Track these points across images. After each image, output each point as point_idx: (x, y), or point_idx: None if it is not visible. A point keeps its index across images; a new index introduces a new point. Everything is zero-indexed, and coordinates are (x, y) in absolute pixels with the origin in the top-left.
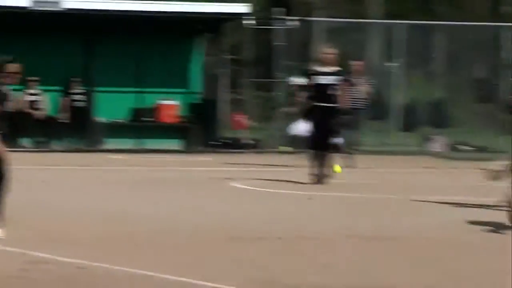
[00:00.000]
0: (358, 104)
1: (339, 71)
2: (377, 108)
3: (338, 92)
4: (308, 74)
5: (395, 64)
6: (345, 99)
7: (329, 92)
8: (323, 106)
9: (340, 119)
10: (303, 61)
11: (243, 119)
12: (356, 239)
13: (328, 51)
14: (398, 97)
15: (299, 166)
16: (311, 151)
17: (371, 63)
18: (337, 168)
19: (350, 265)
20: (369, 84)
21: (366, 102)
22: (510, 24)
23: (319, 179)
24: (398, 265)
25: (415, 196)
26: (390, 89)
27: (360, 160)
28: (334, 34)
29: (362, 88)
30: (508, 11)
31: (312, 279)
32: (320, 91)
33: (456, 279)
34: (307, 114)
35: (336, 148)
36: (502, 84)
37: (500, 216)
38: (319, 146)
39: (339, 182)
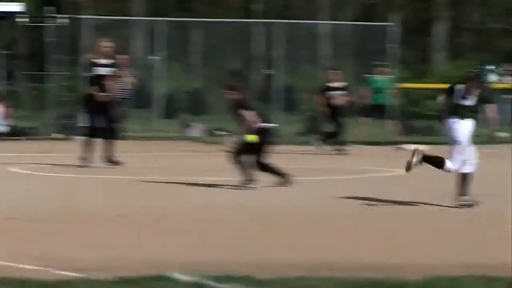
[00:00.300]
0: (124, 94)
1: (114, 63)
2: (140, 98)
3: (110, 83)
4: (88, 65)
5: (157, 58)
6: (114, 90)
7: (106, 82)
8: (102, 95)
9: (116, 108)
10: (73, 55)
11: (7, 108)
12: (124, 218)
13: (106, 44)
14: (160, 87)
15: (71, 151)
16: (89, 137)
17: (135, 57)
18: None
19: (118, 241)
20: (134, 76)
21: (131, 92)
22: (260, 20)
23: (105, 161)
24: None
25: (177, 177)
26: (153, 80)
27: (126, 145)
28: (101, 30)
29: (127, 80)
30: (258, 9)
31: (82, 255)
32: (99, 81)
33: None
34: (86, 103)
35: (113, 135)
36: (254, 74)
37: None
38: (98, 133)
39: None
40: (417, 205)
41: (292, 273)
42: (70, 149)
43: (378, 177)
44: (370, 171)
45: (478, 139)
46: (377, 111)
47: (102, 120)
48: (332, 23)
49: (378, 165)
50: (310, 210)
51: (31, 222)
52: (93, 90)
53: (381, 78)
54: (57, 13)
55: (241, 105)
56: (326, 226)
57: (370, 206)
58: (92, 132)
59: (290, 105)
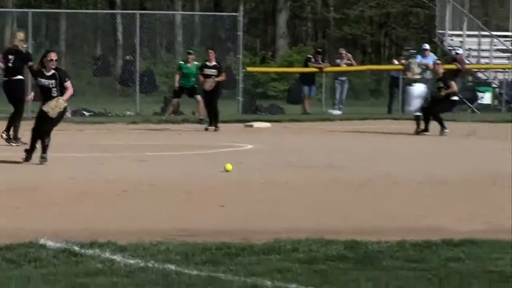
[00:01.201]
0: None
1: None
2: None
3: None
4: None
5: (25, 46)
6: None
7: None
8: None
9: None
10: None
11: None
12: None
13: (19, 33)
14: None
15: None
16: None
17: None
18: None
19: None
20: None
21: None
22: (121, 11)
23: None
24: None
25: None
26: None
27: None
28: None
29: None
30: (120, 1)
31: None
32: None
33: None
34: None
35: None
36: (117, 61)
37: None
38: None
39: None
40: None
41: (150, 239)
42: None
43: (238, 151)
44: (230, 146)
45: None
46: (186, 91)
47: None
48: (186, 14)
49: (234, 141)
50: (171, 183)
51: None
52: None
53: (190, 65)
54: None
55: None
56: (185, 196)
57: (224, 178)
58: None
59: (149, 87)
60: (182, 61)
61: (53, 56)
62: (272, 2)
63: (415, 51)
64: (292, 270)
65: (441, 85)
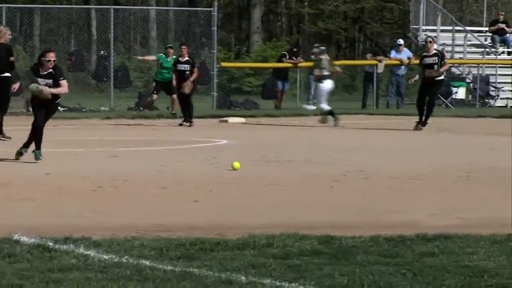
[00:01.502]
0: None
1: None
2: None
3: None
4: None
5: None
6: None
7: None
8: None
9: None
10: None
11: None
12: None
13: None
14: None
15: None
16: None
17: None
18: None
19: None
20: None
21: None
22: (95, 6)
23: None
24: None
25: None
26: None
27: None
28: None
29: None
30: None
31: None
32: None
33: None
34: None
35: None
36: (92, 56)
37: None
38: None
39: None
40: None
41: (124, 234)
42: None
43: (212, 146)
44: (205, 142)
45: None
46: (164, 87)
47: None
48: (160, 9)
49: (209, 136)
50: (145, 178)
51: None
52: None
53: (169, 59)
54: None
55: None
56: (159, 191)
57: (198, 173)
58: None
59: (124, 83)
60: (161, 53)
61: (51, 56)
62: None
63: (324, 48)
64: (267, 265)
65: (435, 61)
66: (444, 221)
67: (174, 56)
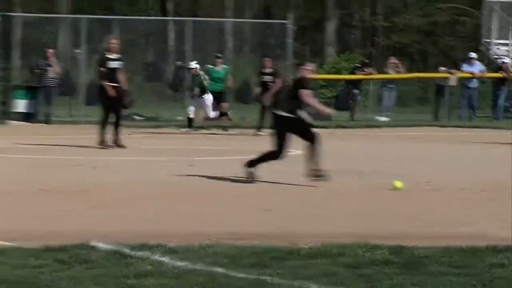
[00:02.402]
0: (52, 83)
1: (121, 57)
2: (65, 86)
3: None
4: (101, 60)
5: (80, 51)
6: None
7: (117, 74)
8: (115, 86)
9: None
10: (5, 49)
11: None
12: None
13: (114, 41)
14: (83, 77)
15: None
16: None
17: (62, 50)
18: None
19: (48, 213)
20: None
21: (57, 81)
22: (173, 18)
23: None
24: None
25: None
26: (77, 71)
27: (57, 129)
28: (31, 26)
29: (55, 70)
30: (172, 8)
31: (14, 226)
32: (111, 74)
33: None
34: (99, 94)
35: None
36: (168, 67)
37: None
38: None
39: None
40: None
41: (198, 241)
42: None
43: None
44: None
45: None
46: (216, 98)
47: (114, 108)
48: (236, 21)
49: None
50: (216, 186)
51: None
52: (104, 82)
53: (219, 68)
54: None
55: None
56: (234, 200)
57: (275, 183)
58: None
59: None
60: (210, 65)
61: None
62: (321, 10)
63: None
64: (338, 274)
65: None
66: None
67: (224, 66)
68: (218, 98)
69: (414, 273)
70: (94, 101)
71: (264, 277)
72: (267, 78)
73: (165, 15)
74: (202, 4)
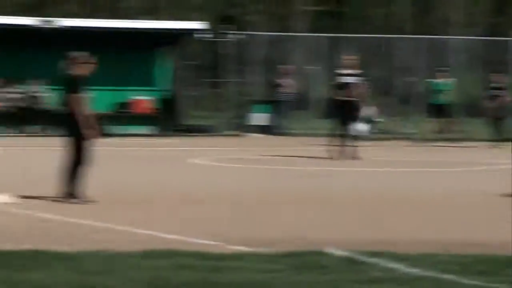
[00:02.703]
0: (289, 98)
1: (357, 73)
2: (301, 101)
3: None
4: (336, 75)
5: (317, 67)
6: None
7: (351, 89)
8: (348, 99)
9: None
10: (244, 65)
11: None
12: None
13: (350, 57)
14: (318, 92)
15: (243, 146)
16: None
17: (297, 67)
18: None
19: (284, 221)
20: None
21: (294, 96)
22: (402, 36)
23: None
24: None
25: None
26: (312, 87)
27: (292, 140)
28: (268, 44)
29: (291, 85)
30: (396, 25)
31: (251, 233)
32: (344, 88)
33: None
34: (336, 108)
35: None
36: (396, 82)
37: None
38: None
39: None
40: None
41: (429, 250)
42: (242, 144)
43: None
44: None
45: None
46: (437, 110)
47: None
48: (463, 38)
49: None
50: (441, 197)
51: (209, 204)
52: (340, 96)
53: (441, 81)
54: (231, 30)
55: None
56: (456, 211)
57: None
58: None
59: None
60: (431, 79)
61: None
62: None
63: None
64: None
65: None
66: None
67: (446, 80)
68: (438, 110)
69: None
70: (330, 114)
71: (496, 285)
72: (497, 92)
73: (390, 33)
74: (429, 22)
